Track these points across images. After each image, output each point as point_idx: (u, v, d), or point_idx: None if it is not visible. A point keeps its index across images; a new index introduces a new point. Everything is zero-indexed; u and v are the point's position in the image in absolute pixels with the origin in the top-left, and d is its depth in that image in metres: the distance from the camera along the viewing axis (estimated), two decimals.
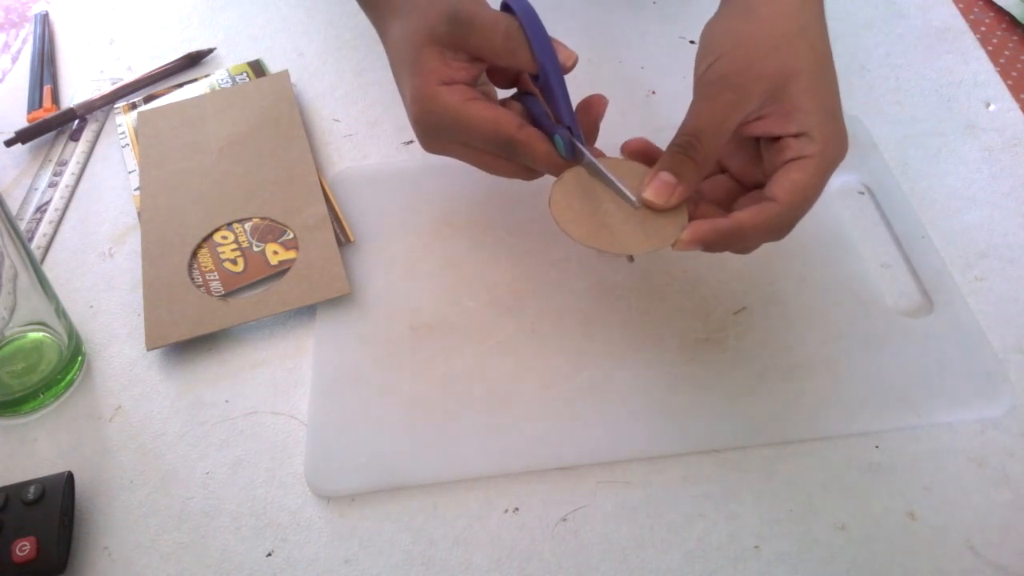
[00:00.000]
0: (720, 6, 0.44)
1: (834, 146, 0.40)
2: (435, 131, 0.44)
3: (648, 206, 0.40)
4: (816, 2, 0.42)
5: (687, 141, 0.39)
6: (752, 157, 0.43)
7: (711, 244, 0.40)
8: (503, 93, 0.48)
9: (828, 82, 0.40)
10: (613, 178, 0.40)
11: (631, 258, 0.46)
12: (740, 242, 0.40)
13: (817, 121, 0.39)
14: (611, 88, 0.62)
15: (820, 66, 0.40)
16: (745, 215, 0.39)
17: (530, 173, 0.45)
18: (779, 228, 0.40)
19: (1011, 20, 0.66)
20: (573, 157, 0.42)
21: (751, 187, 0.43)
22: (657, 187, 0.39)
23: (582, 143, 0.42)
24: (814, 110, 0.39)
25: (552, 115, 0.43)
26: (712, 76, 0.40)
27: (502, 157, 0.44)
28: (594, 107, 0.44)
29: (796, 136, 0.39)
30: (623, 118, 0.60)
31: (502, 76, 0.47)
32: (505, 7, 0.43)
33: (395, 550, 0.42)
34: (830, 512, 0.42)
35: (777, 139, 0.40)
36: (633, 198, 0.39)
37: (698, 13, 0.67)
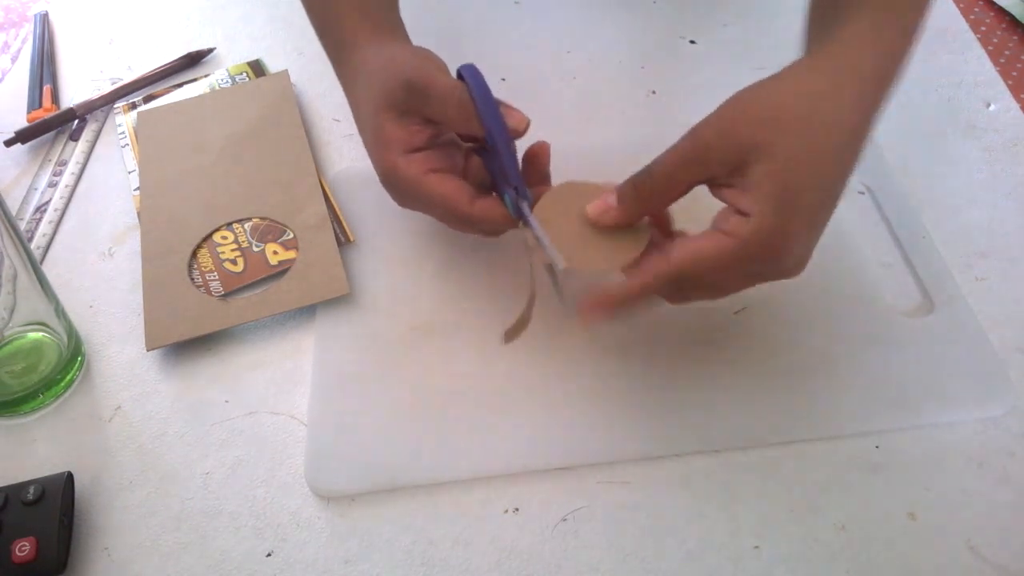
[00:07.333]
0: None
1: (761, 247, 0.36)
2: (400, 197, 0.47)
3: (590, 220, 0.42)
4: (863, 80, 0.37)
5: (639, 174, 0.40)
6: None
7: (608, 312, 0.41)
8: None
9: (810, 174, 0.35)
10: (545, 241, 0.42)
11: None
12: (631, 304, 0.41)
13: (762, 210, 0.35)
14: (611, 88, 0.63)
15: (811, 154, 0.35)
16: (632, 278, 0.40)
17: (492, 234, 0.47)
18: (660, 287, 0.39)
19: (1011, 20, 0.66)
20: (520, 216, 0.44)
21: None
22: (596, 204, 0.41)
23: (528, 200, 0.44)
24: (769, 197, 0.35)
25: (502, 175, 0.45)
26: (694, 128, 0.38)
27: (459, 226, 0.46)
28: (539, 158, 0.45)
29: (738, 213, 0.37)
30: (623, 118, 0.60)
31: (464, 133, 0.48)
32: (459, 75, 0.45)
33: (395, 550, 0.42)
34: (830, 512, 0.42)
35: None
36: (561, 264, 0.41)
37: (698, 13, 0.67)
